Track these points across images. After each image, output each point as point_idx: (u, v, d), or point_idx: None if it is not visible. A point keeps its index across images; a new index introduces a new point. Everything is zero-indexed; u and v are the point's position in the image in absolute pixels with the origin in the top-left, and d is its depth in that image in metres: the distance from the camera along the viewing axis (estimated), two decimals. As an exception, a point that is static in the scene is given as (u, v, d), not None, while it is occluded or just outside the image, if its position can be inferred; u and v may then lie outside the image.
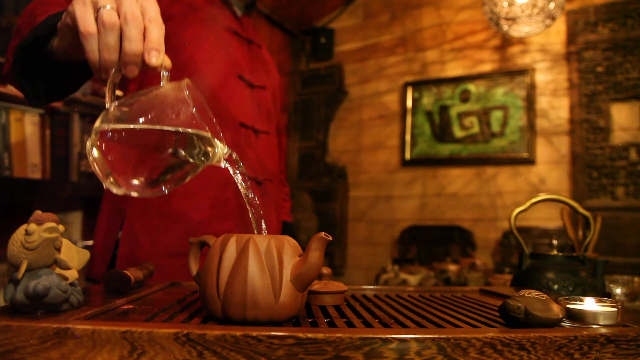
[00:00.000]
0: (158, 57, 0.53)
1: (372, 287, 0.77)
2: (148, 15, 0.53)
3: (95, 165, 0.52)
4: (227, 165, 0.55)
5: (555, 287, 0.82)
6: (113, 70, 0.53)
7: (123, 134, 0.51)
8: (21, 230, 0.43)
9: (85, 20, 0.52)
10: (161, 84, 0.55)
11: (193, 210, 0.88)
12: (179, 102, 0.52)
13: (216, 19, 0.97)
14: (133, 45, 0.51)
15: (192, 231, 0.87)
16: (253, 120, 0.98)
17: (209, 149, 0.54)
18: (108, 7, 0.52)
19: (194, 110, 0.51)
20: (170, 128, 0.50)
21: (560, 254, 0.87)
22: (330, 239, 0.48)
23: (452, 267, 2.33)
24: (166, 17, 0.85)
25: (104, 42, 0.51)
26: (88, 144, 0.52)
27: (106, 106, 0.53)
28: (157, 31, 0.53)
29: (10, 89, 1.38)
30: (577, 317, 0.47)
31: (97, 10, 0.52)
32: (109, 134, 0.51)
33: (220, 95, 0.92)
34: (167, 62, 0.54)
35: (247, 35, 1.04)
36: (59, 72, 0.68)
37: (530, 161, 2.61)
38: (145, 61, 0.53)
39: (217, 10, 0.99)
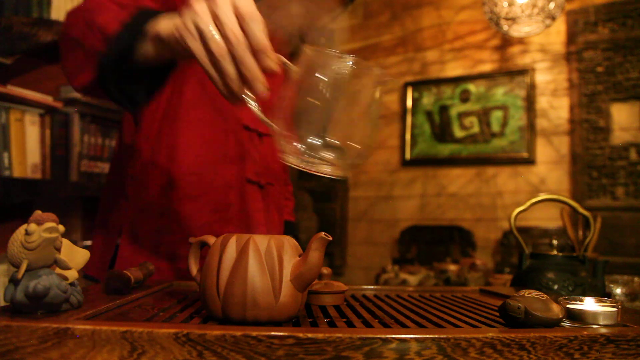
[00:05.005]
0: (271, 61, 0.53)
1: (372, 287, 0.77)
2: (241, 12, 0.52)
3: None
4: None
5: (555, 287, 0.82)
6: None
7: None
8: (21, 230, 0.43)
9: (204, 60, 0.53)
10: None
11: (195, 213, 0.87)
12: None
13: None
14: (249, 70, 0.52)
15: (193, 234, 0.87)
16: (257, 123, 0.97)
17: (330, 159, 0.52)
18: (215, 35, 0.52)
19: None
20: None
21: (560, 254, 0.87)
22: (330, 239, 0.48)
23: (452, 267, 2.33)
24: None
25: (228, 76, 0.52)
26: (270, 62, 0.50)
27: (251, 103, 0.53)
28: (256, 29, 0.52)
29: (10, 89, 1.38)
30: (577, 317, 0.47)
31: (202, 37, 0.52)
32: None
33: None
34: (274, 62, 0.54)
35: None
36: (142, 72, 0.68)
37: (530, 161, 2.61)
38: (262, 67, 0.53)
39: None
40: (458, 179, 2.81)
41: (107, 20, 0.67)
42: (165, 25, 0.60)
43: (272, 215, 1.00)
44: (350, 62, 0.49)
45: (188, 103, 0.88)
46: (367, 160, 0.52)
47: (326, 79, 0.48)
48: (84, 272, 0.93)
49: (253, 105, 0.54)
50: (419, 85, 2.97)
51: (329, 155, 0.48)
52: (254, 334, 0.38)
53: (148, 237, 0.87)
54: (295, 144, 0.50)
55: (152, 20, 0.62)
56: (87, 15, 0.71)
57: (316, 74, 0.49)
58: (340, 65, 0.49)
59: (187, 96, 0.88)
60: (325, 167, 0.51)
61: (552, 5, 1.97)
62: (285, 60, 0.54)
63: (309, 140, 0.49)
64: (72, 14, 0.75)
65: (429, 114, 2.93)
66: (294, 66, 0.53)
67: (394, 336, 0.39)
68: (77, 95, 1.56)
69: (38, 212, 0.44)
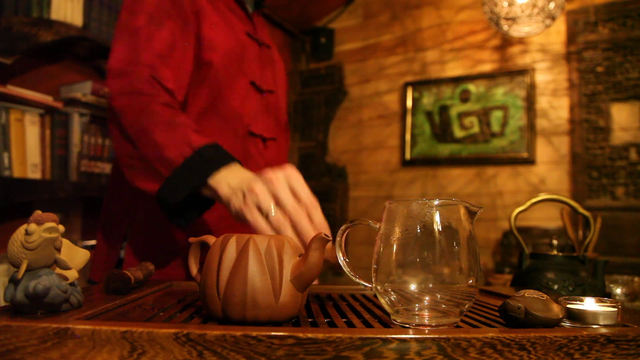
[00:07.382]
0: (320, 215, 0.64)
1: (372, 286, 0.76)
2: (302, 198, 0.66)
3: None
4: None
5: (555, 287, 0.82)
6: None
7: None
8: (21, 230, 0.43)
9: (263, 229, 0.64)
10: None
11: (202, 221, 0.87)
12: None
13: (232, 21, 0.94)
14: (306, 234, 0.63)
15: None
16: (261, 128, 0.96)
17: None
18: (273, 213, 0.63)
19: None
20: None
21: (560, 254, 0.87)
22: (330, 239, 0.48)
23: (452, 267, 2.32)
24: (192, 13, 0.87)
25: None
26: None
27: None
28: (318, 213, 0.66)
29: (10, 89, 1.38)
30: (577, 317, 0.47)
31: (264, 214, 0.64)
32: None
33: (232, 103, 0.90)
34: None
35: (259, 37, 1.01)
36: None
37: (530, 161, 2.61)
38: None
39: (231, 11, 0.95)
40: (458, 179, 2.81)
41: (173, 151, 0.72)
42: (224, 188, 0.68)
43: None
44: (436, 202, 0.48)
45: (197, 111, 0.88)
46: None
47: (416, 226, 0.47)
48: (88, 278, 0.93)
49: None
50: (419, 85, 2.97)
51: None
52: (254, 334, 0.38)
53: (154, 244, 0.87)
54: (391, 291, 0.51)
55: (213, 173, 0.70)
56: (148, 127, 0.74)
57: (404, 223, 0.48)
58: (425, 208, 0.48)
59: (198, 105, 0.88)
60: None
61: (552, 5, 1.97)
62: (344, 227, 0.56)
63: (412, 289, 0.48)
64: (128, 100, 0.77)
65: (429, 114, 2.93)
66: (376, 224, 0.53)
67: (394, 336, 0.39)
68: (77, 95, 1.56)
69: (38, 212, 0.44)
